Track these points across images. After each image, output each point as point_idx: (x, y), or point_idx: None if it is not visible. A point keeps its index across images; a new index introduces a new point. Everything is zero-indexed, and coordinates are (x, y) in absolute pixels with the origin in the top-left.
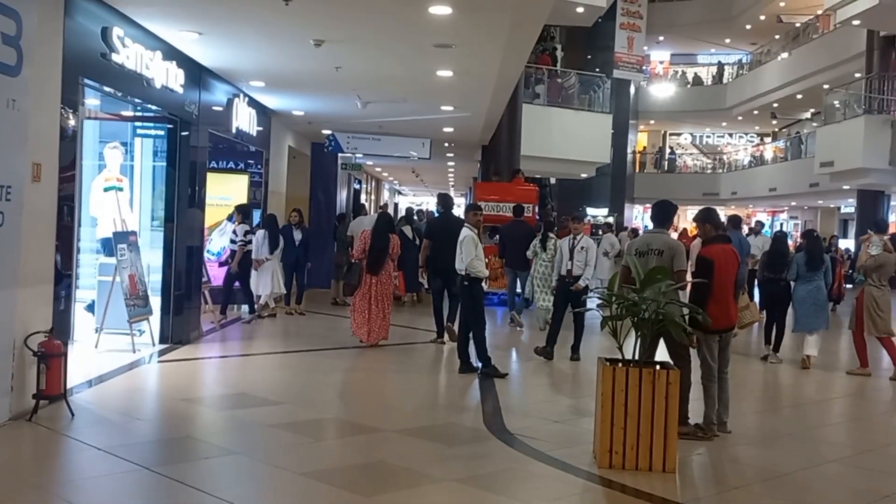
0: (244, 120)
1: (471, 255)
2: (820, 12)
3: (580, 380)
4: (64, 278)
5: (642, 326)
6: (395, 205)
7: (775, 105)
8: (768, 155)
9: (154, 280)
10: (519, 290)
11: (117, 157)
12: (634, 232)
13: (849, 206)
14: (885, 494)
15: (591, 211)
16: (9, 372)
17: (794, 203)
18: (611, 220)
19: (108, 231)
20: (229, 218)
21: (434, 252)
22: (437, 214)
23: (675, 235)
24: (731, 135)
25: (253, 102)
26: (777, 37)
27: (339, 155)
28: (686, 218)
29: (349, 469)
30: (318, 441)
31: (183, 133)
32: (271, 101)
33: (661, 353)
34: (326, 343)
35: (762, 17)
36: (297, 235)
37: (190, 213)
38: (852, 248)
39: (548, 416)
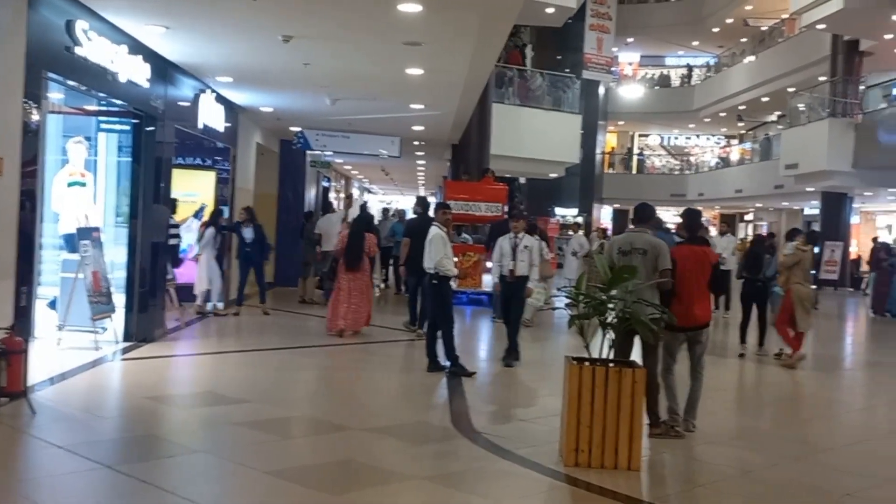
0: (211, 116)
1: (440, 253)
2: (786, 16)
3: (548, 379)
4: (25, 274)
5: (609, 326)
6: (365, 203)
7: (742, 107)
8: (734, 157)
9: (118, 277)
10: None
11: (81, 152)
12: (604, 232)
13: (813, 208)
14: (847, 492)
15: (560, 211)
16: None
17: (759, 205)
18: (580, 220)
19: (71, 227)
20: (196, 215)
21: (413, 251)
22: (415, 215)
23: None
24: (698, 136)
25: (220, 98)
26: (744, 40)
27: (308, 152)
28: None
29: (317, 467)
30: (286, 439)
31: (148, 128)
32: (239, 97)
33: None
34: (294, 341)
35: (729, 21)
36: (248, 234)
37: (155, 209)
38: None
39: (515, 414)
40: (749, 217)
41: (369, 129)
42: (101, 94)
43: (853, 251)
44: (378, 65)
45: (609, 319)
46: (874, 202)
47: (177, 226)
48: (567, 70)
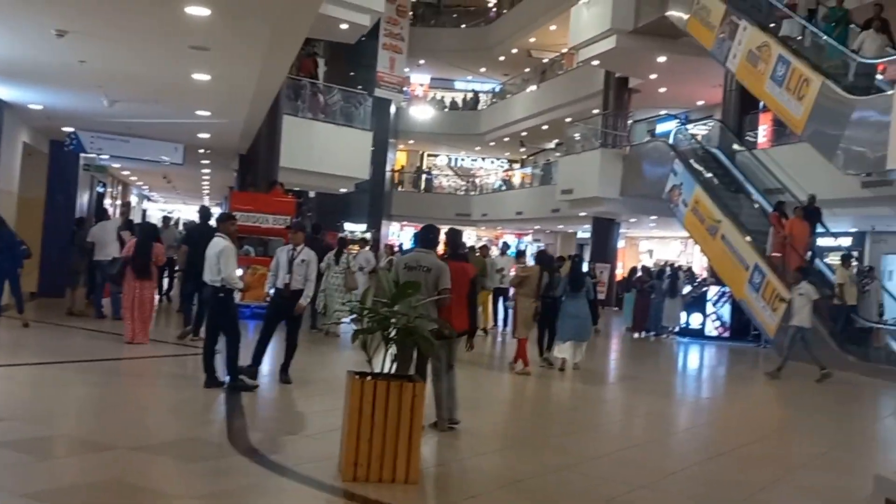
0: None
1: (231, 266)
2: (565, 51)
3: (332, 393)
4: None
5: (392, 340)
6: (144, 211)
7: (524, 133)
8: (516, 180)
9: None
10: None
11: None
12: (391, 249)
13: (585, 232)
14: (607, 500)
15: (349, 226)
16: None
17: (537, 227)
18: (368, 236)
19: None
20: None
21: (191, 258)
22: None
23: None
24: (483, 159)
25: None
26: (527, 70)
27: (82, 155)
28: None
29: (79, 488)
30: (45, 460)
31: None
32: (4, 93)
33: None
34: (60, 355)
35: (514, 51)
36: None
37: None
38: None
39: (296, 430)
40: (528, 238)
41: (151, 134)
42: None
43: (619, 273)
44: (162, 67)
45: (392, 334)
46: (637, 228)
47: None
48: (360, 87)
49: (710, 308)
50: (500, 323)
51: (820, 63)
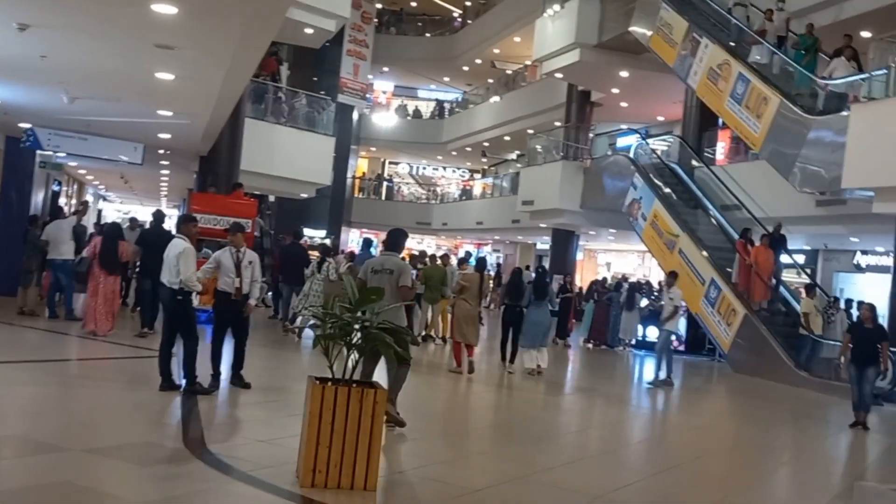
0: None
1: (191, 269)
2: (529, 62)
3: (292, 398)
4: None
5: (354, 346)
6: (99, 211)
7: (486, 144)
8: (477, 190)
9: None
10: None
11: None
12: (351, 256)
13: (544, 243)
14: None
15: (308, 232)
16: None
17: (497, 237)
18: (328, 241)
19: None
20: None
21: (145, 259)
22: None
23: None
24: (445, 168)
25: None
26: (491, 81)
27: (38, 152)
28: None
29: (28, 491)
30: None
31: None
32: None
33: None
34: (10, 355)
35: (478, 61)
36: None
37: None
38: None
39: (254, 434)
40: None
41: (110, 133)
42: None
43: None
44: (125, 65)
45: (354, 340)
46: (596, 241)
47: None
48: (323, 92)
49: None
50: None
51: (790, 90)
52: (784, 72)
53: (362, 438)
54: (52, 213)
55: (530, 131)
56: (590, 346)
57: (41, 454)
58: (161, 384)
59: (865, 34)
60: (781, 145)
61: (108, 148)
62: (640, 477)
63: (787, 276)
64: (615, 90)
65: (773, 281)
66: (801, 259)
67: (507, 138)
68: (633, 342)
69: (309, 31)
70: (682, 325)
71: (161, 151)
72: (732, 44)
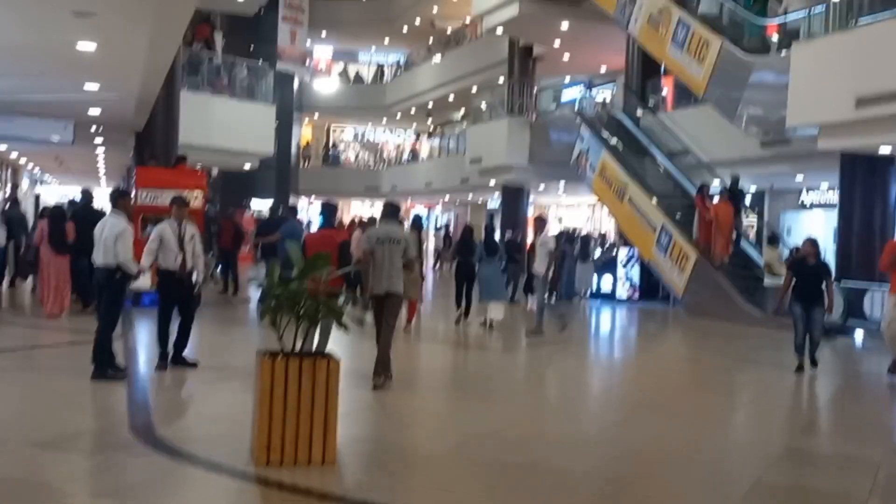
0: None
1: (129, 249)
2: (469, 20)
3: (244, 375)
4: None
5: (304, 317)
6: (37, 196)
7: (430, 105)
8: (425, 152)
9: None
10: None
11: None
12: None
13: (495, 202)
14: (531, 464)
15: (256, 204)
16: None
17: (447, 198)
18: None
19: None
20: None
21: (81, 237)
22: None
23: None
24: (391, 131)
25: None
26: (431, 40)
27: None
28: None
29: None
30: None
31: None
32: None
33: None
34: None
35: (418, 21)
36: None
37: None
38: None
39: (206, 415)
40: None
41: (36, 112)
42: None
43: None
44: (43, 36)
45: (303, 311)
46: (546, 196)
47: None
48: (261, 60)
49: (620, 271)
50: None
51: (740, 38)
52: (733, 21)
53: (317, 411)
54: None
55: (474, 89)
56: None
57: None
58: (97, 370)
59: None
60: (725, 88)
61: (36, 128)
62: (607, 425)
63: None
64: (557, 43)
65: (735, 235)
66: (747, 200)
67: (451, 98)
68: (589, 293)
69: None
70: (635, 272)
71: (93, 129)
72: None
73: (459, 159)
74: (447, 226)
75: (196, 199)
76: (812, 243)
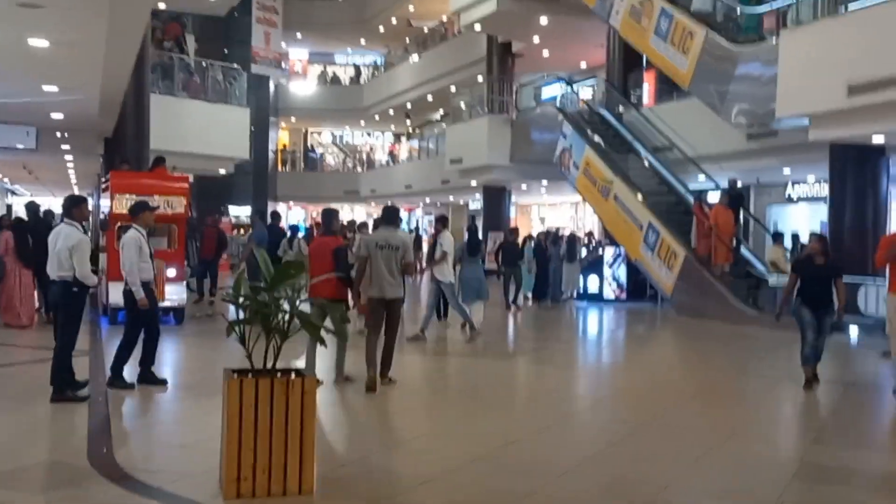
0: None
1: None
2: (446, 18)
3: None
4: None
5: (276, 330)
6: (9, 206)
7: (409, 105)
8: (404, 154)
9: None
10: None
11: None
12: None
13: (476, 202)
14: (528, 492)
15: (234, 210)
16: None
17: (428, 200)
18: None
19: None
20: None
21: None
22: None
23: None
24: (370, 134)
25: None
26: (408, 40)
27: None
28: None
29: None
30: None
31: None
32: None
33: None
34: None
35: (394, 21)
36: None
37: None
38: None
39: (173, 440)
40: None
41: None
42: None
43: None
44: None
45: (275, 323)
46: (529, 196)
47: None
48: (235, 64)
49: (606, 271)
50: None
51: (736, 35)
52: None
53: (292, 436)
54: None
55: (453, 88)
56: (537, 303)
57: None
58: (59, 392)
59: None
60: (710, 79)
61: None
62: (611, 440)
63: None
64: (536, 39)
65: (735, 242)
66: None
67: (429, 98)
68: (575, 295)
69: None
70: (622, 272)
71: (59, 135)
72: None
73: (439, 160)
74: (417, 228)
75: (180, 204)
76: (819, 240)
